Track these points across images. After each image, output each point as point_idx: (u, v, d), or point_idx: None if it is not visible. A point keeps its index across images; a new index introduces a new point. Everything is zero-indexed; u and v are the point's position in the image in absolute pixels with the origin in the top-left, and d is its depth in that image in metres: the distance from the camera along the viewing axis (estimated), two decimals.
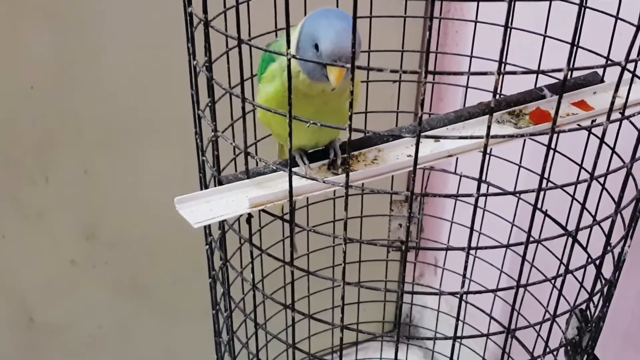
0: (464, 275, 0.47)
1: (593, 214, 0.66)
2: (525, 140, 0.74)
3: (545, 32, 0.68)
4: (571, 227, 0.70)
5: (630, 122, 0.54)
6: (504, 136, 0.40)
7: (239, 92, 0.44)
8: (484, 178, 0.80)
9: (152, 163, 0.88)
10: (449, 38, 0.97)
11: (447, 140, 0.53)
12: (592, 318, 0.61)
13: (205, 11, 0.44)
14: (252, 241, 0.49)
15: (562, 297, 0.56)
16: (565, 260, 0.72)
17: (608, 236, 0.54)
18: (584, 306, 0.61)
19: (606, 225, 0.52)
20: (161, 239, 0.93)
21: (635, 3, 0.57)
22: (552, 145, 0.72)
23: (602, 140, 0.45)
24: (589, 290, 0.62)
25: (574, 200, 0.68)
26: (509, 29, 0.51)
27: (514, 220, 0.80)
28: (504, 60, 0.67)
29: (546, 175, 0.73)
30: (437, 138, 0.50)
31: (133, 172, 0.88)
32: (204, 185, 0.55)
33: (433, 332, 0.99)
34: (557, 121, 0.59)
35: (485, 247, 0.48)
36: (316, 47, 0.42)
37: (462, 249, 0.45)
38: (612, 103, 0.41)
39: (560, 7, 0.66)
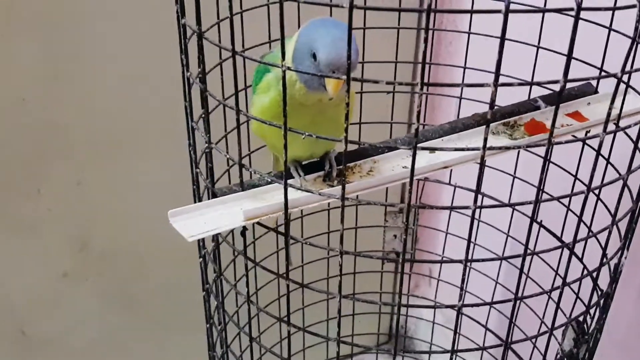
0: (462, 288, 0.46)
1: (589, 224, 0.66)
2: (519, 151, 0.74)
3: (539, 43, 0.69)
4: (566, 237, 0.70)
5: (626, 133, 0.54)
6: (500, 148, 0.39)
7: (232, 104, 0.44)
8: (479, 188, 0.81)
9: (144, 175, 0.87)
10: (442, 49, 0.97)
11: (443, 151, 0.53)
12: (589, 330, 0.60)
13: (198, 22, 0.44)
14: (247, 254, 0.49)
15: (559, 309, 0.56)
16: (561, 272, 0.73)
17: (604, 248, 0.54)
18: (580, 318, 0.60)
19: (602, 236, 0.51)
20: (154, 251, 0.92)
21: (628, 14, 0.57)
22: (548, 156, 0.72)
23: (598, 152, 0.45)
24: (585, 302, 0.61)
25: (569, 212, 0.68)
26: (503, 41, 0.51)
27: (508, 231, 0.80)
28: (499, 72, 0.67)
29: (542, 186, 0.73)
30: (432, 150, 0.50)
31: (126, 184, 0.87)
32: (197, 198, 0.55)
33: (428, 343, 0.98)
34: (553, 132, 0.59)
35: (483, 260, 0.47)
36: (314, 56, 0.42)
37: (460, 261, 0.44)
38: (609, 114, 0.41)
39: (553, 18, 0.66)
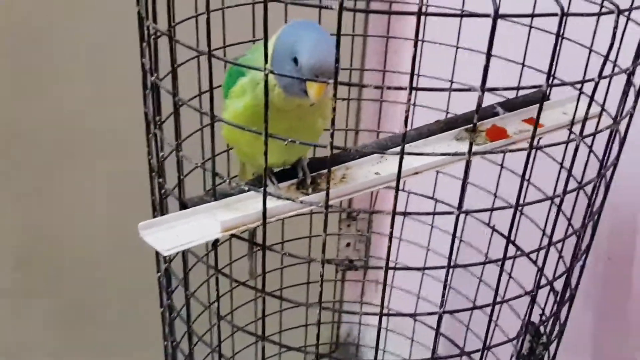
0: (419, 296, 0.45)
1: (542, 227, 0.68)
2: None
3: (490, 51, 0.70)
4: (517, 240, 0.72)
5: (584, 142, 0.55)
6: (485, 152, 0.39)
7: (204, 108, 0.42)
8: (433, 195, 0.81)
9: (93, 183, 0.82)
10: (389, 57, 0.98)
11: (413, 157, 0.53)
12: (548, 334, 0.62)
13: (170, 24, 0.42)
14: (219, 268, 0.47)
15: (514, 312, 0.57)
16: (514, 274, 0.74)
17: (560, 254, 0.55)
18: (537, 321, 0.62)
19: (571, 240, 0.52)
20: (107, 265, 0.86)
21: (577, 22, 0.59)
22: (505, 163, 0.74)
23: (592, 150, 0.45)
24: (543, 306, 0.63)
25: (524, 218, 0.70)
26: (492, 49, 0.52)
27: (461, 237, 0.81)
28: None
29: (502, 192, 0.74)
30: (416, 154, 0.49)
31: (73, 193, 0.82)
32: (160, 209, 0.52)
33: (378, 350, 0.98)
34: (512, 137, 0.60)
35: (438, 267, 0.46)
36: (295, 61, 0.41)
37: (418, 269, 0.43)
38: (585, 117, 0.42)
39: (504, 27, 0.68)
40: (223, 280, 0.48)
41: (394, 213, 0.40)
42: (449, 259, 0.45)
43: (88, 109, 0.79)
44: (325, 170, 0.51)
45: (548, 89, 0.66)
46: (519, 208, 0.44)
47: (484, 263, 0.47)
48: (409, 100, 0.37)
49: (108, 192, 0.83)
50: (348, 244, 0.85)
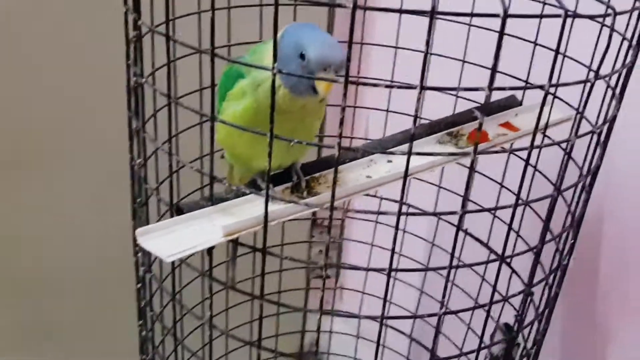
0: (385, 299, 0.45)
1: (516, 229, 0.69)
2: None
3: (464, 56, 0.71)
4: (489, 242, 0.73)
5: (568, 153, 0.56)
6: (489, 152, 0.40)
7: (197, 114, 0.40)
8: (402, 199, 0.82)
9: (67, 188, 0.78)
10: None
11: (402, 160, 0.53)
12: (523, 335, 0.62)
13: (168, 22, 0.40)
14: (211, 274, 0.45)
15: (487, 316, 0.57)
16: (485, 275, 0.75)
17: (536, 259, 0.56)
18: (511, 322, 0.63)
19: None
20: (74, 276, 0.82)
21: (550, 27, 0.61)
22: (479, 165, 0.75)
23: (570, 157, 0.46)
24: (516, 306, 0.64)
25: (499, 221, 0.71)
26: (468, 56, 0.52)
27: (433, 240, 0.82)
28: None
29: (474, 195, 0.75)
30: (431, 155, 0.49)
31: (43, 198, 0.77)
32: (146, 217, 0.50)
33: (342, 356, 0.98)
34: (493, 141, 0.61)
35: (409, 270, 0.46)
36: (302, 56, 0.40)
37: (384, 269, 0.42)
38: (578, 123, 0.43)
39: (478, 33, 0.69)
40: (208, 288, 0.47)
41: (399, 213, 0.40)
42: (451, 261, 0.45)
43: (66, 109, 0.75)
44: (319, 174, 0.50)
45: (522, 94, 0.68)
46: (518, 207, 0.44)
47: (457, 266, 0.46)
48: (419, 99, 0.37)
49: (83, 196, 0.79)
50: (320, 251, 0.84)
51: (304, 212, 0.44)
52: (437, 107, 0.66)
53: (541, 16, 0.39)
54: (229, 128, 0.43)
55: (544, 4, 0.63)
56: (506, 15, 0.36)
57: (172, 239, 0.40)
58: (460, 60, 0.71)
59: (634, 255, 0.72)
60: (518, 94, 0.68)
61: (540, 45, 0.64)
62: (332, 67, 0.40)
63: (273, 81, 0.37)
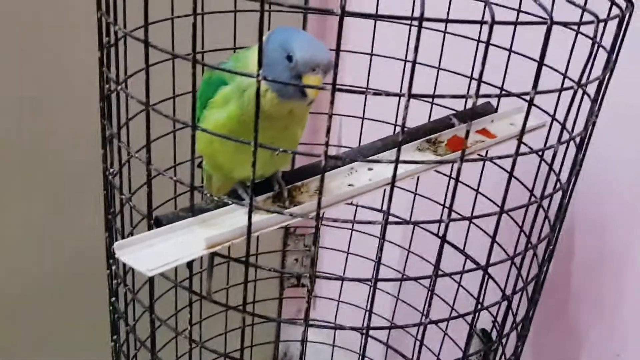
0: (369, 310, 0.44)
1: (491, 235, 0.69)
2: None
3: (439, 64, 0.71)
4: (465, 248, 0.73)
5: (544, 160, 0.56)
6: (475, 159, 0.40)
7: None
8: (389, 208, 0.81)
9: (30, 200, 0.75)
10: None
11: (384, 167, 0.52)
12: (501, 342, 0.62)
13: (146, 27, 0.39)
14: (191, 287, 0.44)
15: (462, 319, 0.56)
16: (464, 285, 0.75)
17: (519, 269, 0.56)
18: (488, 328, 0.63)
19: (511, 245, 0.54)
20: (41, 290, 0.78)
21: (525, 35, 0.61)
22: (454, 175, 0.75)
23: (551, 166, 0.46)
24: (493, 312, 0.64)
25: (473, 227, 0.71)
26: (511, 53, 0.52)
27: (409, 247, 0.82)
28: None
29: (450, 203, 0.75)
30: (417, 162, 0.48)
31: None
32: (122, 229, 0.48)
33: None
34: (471, 148, 0.61)
35: (394, 280, 0.45)
36: (289, 58, 0.39)
37: (369, 280, 0.42)
38: (561, 132, 0.43)
39: (457, 42, 0.69)
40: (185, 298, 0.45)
41: (412, 222, 0.39)
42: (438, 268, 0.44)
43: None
44: (300, 183, 0.49)
45: (497, 101, 0.68)
46: (502, 214, 0.44)
47: (439, 275, 0.45)
48: (407, 107, 0.37)
49: (46, 205, 0.76)
50: (296, 260, 0.83)
51: (287, 223, 0.43)
52: (412, 114, 0.66)
53: (528, 23, 0.38)
54: (210, 137, 0.42)
55: (519, 11, 0.64)
56: (493, 22, 0.36)
57: (152, 253, 0.39)
58: (435, 67, 0.71)
59: (606, 259, 0.73)
60: (494, 100, 0.68)
61: (515, 52, 0.64)
62: (321, 67, 0.40)
63: (258, 88, 0.36)
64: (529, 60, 0.62)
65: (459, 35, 0.69)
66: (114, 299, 0.53)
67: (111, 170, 0.50)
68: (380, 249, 0.41)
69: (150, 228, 0.45)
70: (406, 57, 0.73)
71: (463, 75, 0.69)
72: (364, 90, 0.36)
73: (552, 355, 0.82)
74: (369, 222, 0.40)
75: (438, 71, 0.72)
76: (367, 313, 0.44)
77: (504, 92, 0.40)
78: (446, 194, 0.75)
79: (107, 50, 0.46)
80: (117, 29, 0.41)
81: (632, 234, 0.70)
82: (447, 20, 0.36)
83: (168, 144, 0.64)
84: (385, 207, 0.79)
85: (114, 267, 0.51)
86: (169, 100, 0.63)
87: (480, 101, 0.70)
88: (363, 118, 0.77)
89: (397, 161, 0.38)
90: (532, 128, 0.64)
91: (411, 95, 0.36)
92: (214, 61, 0.44)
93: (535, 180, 0.63)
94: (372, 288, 0.40)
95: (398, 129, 0.74)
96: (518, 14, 0.64)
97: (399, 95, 0.36)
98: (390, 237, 0.84)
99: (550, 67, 0.59)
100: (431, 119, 0.67)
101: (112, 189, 0.51)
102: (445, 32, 0.70)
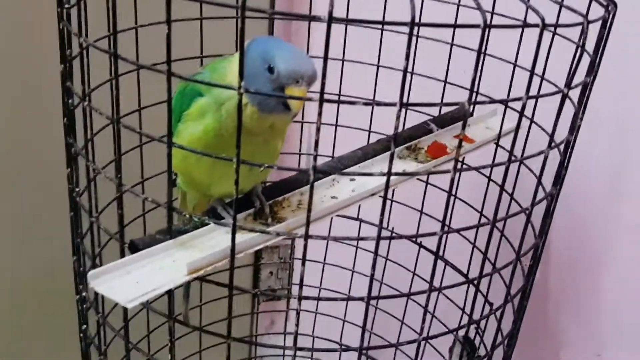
0: (364, 329, 0.42)
1: (472, 241, 0.68)
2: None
3: (413, 69, 0.70)
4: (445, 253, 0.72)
5: (526, 166, 0.55)
6: (465, 169, 0.38)
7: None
8: (381, 222, 0.79)
9: None
10: None
11: (367, 178, 0.50)
12: (486, 348, 0.61)
13: (115, 40, 0.36)
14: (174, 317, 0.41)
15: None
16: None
17: (509, 284, 0.54)
18: (468, 332, 0.61)
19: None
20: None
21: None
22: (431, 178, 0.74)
23: (542, 172, 0.45)
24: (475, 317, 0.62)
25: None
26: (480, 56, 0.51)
27: (387, 255, 0.80)
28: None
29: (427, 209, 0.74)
30: (405, 175, 0.46)
31: None
32: (84, 254, 0.45)
33: None
34: (451, 154, 0.60)
35: (389, 297, 0.43)
36: (270, 70, 0.37)
37: (362, 299, 0.40)
38: (551, 140, 0.42)
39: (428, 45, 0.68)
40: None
41: (378, 238, 0.37)
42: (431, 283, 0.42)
43: None
44: (282, 197, 0.47)
45: (472, 107, 0.67)
46: (493, 222, 0.42)
47: (434, 290, 0.44)
48: (399, 117, 0.35)
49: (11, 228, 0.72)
50: (271, 273, 0.80)
51: (272, 241, 0.41)
52: (385, 120, 0.64)
53: (518, 26, 0.37)
54: (185, 152, 0.39)
55: (492, 14, 0.63)
56: (486, 26, 0.34)
57: (130, 281, 0.36)
58: (409, 72, 0.70)
59: (583, 261, 0.73)
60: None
61: (492, 55, 0.63)
62: (305, 78, 0.37)
63: (240, 102, 0.33)
64: (497, 61, 0.61)
65: (428, 39, 0.67)
66: (85, 326, 0.50)
67: (77, 190, 0.47)
68: (373, 266, 0.39)
69: (123, 252, 0.42)
70: (379, 62, 0.71)
71: (437, 80, 0.68)
72: (355, 100, 0.34)
73: (533, 356, 0.81)
74: (362, 239, 0.37)
75: (412, 76, 0.70)
76: (364, 332, 0.41)
77: (497, 100, 0.39)
78: (423, 201, 0.74)
79: (70, 63, 0.43)
80: (82, 40, 0.38)
81: (608, 236, 0.70)
82: (438, 25, 0.34)
83: (134, 157, 0.61)
84: (362, 216, 0.78)
85: (84, 294, 0.48)
86: (134, 114, 0.60)
87: (455, 105, 0.69)
88: (336, 125, 0.75)
89: (389, 174, 0.36)
90: (509, 131, 0.64)
91: (403, 105, 0.34)
92: (182, 70, 0.42)
93: (514, 186, 0.62)
94: (367, 306, 0.38)
95: (373, 136, 0.73)
96: (492, 16, 0.63)
97: (391, 105, 0.35)
98: (365, 244, 0.82)
99: (523, 68, 0.59)
100: (406, 125, 0.65)
101: (79, 210, 0.47)
102: (417, 37, 0.69)
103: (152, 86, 0.57)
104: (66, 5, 0.41)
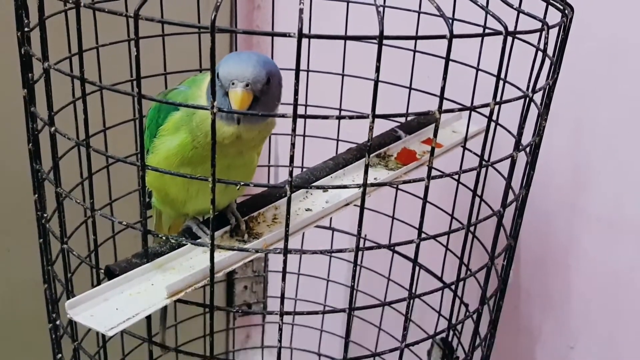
0: (347, 339, 0.42)
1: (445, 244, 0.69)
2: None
3: (378, 77, 0.70)
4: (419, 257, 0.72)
5: (495, 168, 0.56)
6: (441, 175, 0.39)
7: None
8: (359, 233, 0.79)
9: None
10: None
11: (340, 189, 0.50)
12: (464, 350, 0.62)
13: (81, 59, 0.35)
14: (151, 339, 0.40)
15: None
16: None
17: (484, 286, 0.55)
18: (449, 336, 0.62)
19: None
20: None
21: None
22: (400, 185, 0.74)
23: (511, 174, 0.46)
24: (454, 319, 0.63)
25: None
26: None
27: (360, 262, 0.80)
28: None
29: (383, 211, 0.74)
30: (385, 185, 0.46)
31: None
32: (54, 280, 0.44)
33: None
34: (421, 159, 0.61)
35: (371, 307, 0.42)
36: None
37: (343, 310, 0.39)
38: (534, 144, 0.43)
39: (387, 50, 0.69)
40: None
41: (356, 249, 0.37)
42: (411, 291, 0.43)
43: None
44: (257, 212, 0.47)
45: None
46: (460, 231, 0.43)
47: (409, 298, 0.44)
48: (372, 128, 0.35)
49: None
50: (245, 287, 0.80)
51: (251, 258, 0.40)
52: (350, 128, 0.65)
53: (483, 35, 0.38)
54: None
55: (453, 20, 0.64)
56: (452, 36, 0.35)
57: (109, 308, 0.35)
58: (372, 79, 0.70)
59: (552, 255, 0.75)
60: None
61: (454, 61, 0.64)
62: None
63: (213, 121, 0.33)
64: (461, 66, 0.62)
65: (394, 47, 0.68)
66: (60, 355, 0.48)
67: (45, 215, 0.46)
68: (353, 277, 0.39)
69: (98, 276, 0.41)
70: (343, 71, 0.72)
71: (402, 86, 0.69)
72: (328, 115, 0.34)
73: (507, 352, 0.82)
74: (340, 250, 0.37)
75: (376, 84, 0.71)
76: (347, 343, 0.41)
77: (466, 107, 0.39)
78: (394, 206, 0.74)
79: (33, 87, 0.42)
80: (46, 65, 0.37)
81: (574, 230, 0.72)
82: (404, 37, 0.34)
83: (102, 177, 0.60)
84: (334, 224, 0.78)
85: (57, 322, 0.47)
86: (99, 134, 0.59)
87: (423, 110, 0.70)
88: (304, 136, 0.75)
89: (364, 185, 0.36)
90: (475, 133, 0.65)
91: (375, 116, 0.35)
92: (146, 88, 0.41)
93: (482, 188, 0.62)
94: (349, 317, 0.38)
95: (341, 144, 0.73)
96: (452, 22, 0.64)
97: (363, 117, 0.35)
98: (342, 255, 0.82)
99: (486, 72, 0.60)
100: (374, 133, 0.66)
101: (48, 236, 0.46)
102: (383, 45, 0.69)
103: (114, 104, 0.56)
104: (26, 29, 0.40)
